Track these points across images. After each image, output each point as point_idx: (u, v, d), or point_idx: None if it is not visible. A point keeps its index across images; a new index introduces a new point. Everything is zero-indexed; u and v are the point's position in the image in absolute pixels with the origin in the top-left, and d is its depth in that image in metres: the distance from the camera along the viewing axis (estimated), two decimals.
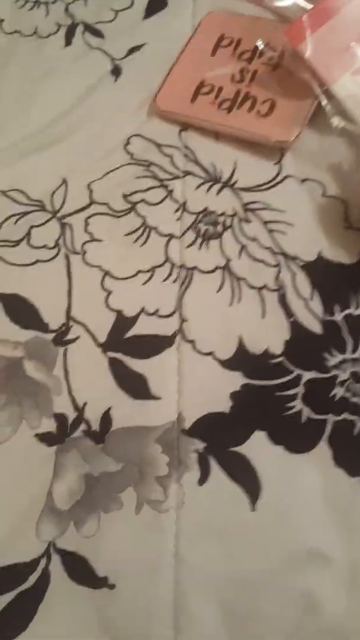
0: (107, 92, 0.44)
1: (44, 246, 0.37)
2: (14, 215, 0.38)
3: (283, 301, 0.34)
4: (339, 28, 0.41)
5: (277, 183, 0.39)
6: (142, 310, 0.34)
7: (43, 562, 0.28)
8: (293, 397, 0.32)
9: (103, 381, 0.32)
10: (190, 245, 0.37)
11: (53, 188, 0.39)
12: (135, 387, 0.32)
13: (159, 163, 0.40)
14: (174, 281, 0.35)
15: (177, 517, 0.29)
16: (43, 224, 0.38)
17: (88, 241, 0.37)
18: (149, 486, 0.30)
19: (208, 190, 0.39)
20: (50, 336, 0.34)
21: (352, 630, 0.27)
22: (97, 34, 0.47)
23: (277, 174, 0.39)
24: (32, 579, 0.28)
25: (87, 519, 0.29)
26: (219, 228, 0.37)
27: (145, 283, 0.35)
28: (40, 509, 0.29)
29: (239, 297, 0.35)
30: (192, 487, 0.30)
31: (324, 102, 0.39)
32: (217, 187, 0.39)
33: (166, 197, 0.38)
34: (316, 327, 0.34)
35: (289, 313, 0.34)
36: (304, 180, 0.39)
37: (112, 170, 0.40)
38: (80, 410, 0.32)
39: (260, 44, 0.43)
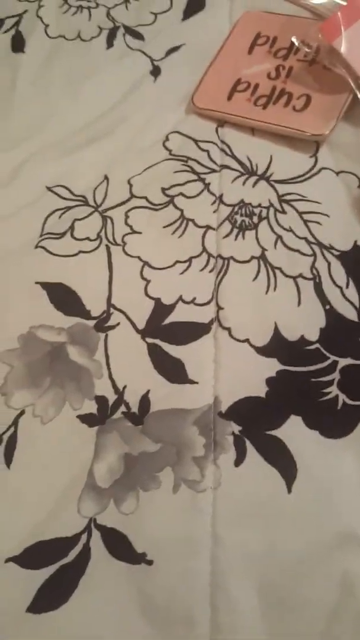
0: (147, 92, 0.45)
1: (87, 238, 0.38)
2: (58, 209, 0.40)
3: (319, 289, 0.35)
4: None
5: (313, 175, 0.39)
6: (180, 298, 0.35)
7: (84, 537, 0.29)
8: (329, 384, 0.32)
9: (142, 365, 0.33)
10: (227, 236, 0.37)
11: (95, 183, 0.41)
12: (173, 371, 0.33)
13: (197, 158, 0.41)
14: (211, 271, 0.36)
15: (214, 497, 0.30)
16: (86, 217, 0.39)
17: (128, 233, 0.38)
18: (187, 466, 0.30)
19: (244, 183, 0.39)
20: (92, 323, 0.35)
21: None
22: (138, 36, 0.49)
23: (313, 167, 0.40)
24: (74, 553, 0.29)
25: (126, 497, 0.30)
26: (255, 219, 0.38)
27: (182, 273, 0.36)
28: (81, 487, 0.30)
29: (275, 286, 0.35)
30: (228, 468, 0.30)
31: None
32: (252, 179, 0.40)
33: (203, 190, 0.39)
34: (352, 314, 0.34)
35: (324, 301, 0.34)
36: (339, 172, 0.39)
37: (151, 166, 0.41)
38: (120, 393, 0.33)
39: (295, 41, 0.44)
